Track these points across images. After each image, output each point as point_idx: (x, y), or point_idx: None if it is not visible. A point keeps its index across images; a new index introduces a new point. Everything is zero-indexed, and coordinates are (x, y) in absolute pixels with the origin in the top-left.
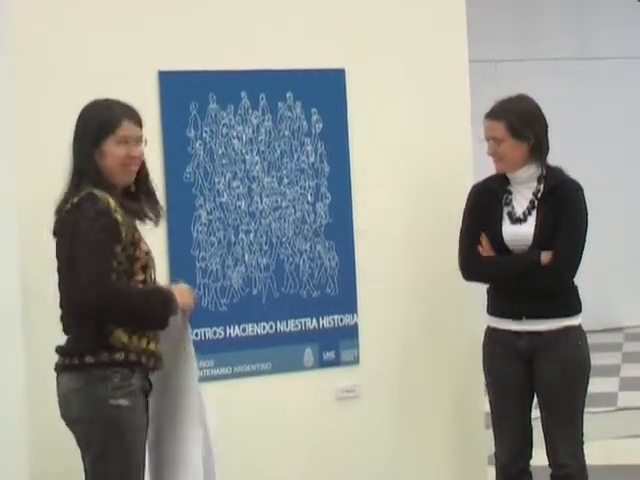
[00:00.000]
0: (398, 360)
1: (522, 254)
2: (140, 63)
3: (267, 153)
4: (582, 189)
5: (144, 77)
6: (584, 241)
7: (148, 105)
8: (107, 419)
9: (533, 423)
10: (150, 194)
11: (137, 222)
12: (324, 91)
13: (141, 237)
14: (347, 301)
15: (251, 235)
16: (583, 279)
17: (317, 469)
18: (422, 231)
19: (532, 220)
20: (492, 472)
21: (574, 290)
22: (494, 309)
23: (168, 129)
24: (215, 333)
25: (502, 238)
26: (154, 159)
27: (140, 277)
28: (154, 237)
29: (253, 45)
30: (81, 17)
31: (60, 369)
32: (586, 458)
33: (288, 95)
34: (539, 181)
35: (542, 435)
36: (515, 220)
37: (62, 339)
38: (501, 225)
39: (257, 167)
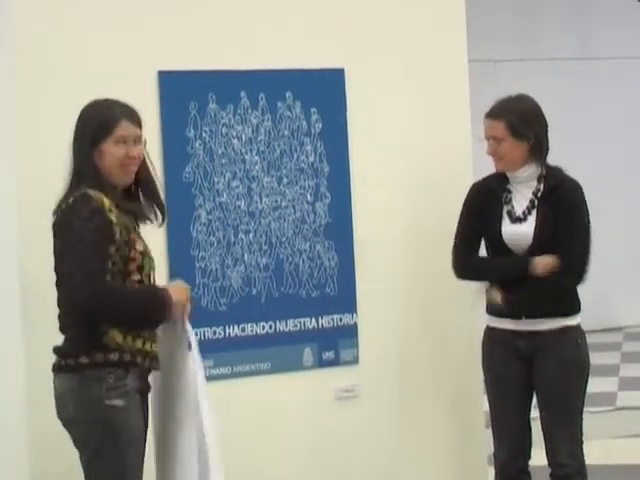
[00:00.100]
0: (398, 360)
1: (512, 260)
2: (140, 63)
3: (267, 153)
4: (582, 188)
5: (144, 77)
6: (590, 238)
7: (148, 105)
8: (102, 419)
9: (532, 423)
10: (151, 195)
11: (137, 222)
12: (324, 91)
13: (138, 238)
14: (346, 301)
15: (250, 235)
16: None
17: (317, 469)
18: (422, 231)
19: (532, 219)
20: (492, 472)
21: (573, 290)
22: (493, 308)
23: (168, 129)
24: (215, 333)
25: (501, 237)
26: (154, 159)
27: (136, 277)
28: (154, 237)
29: (253, 45)
30: (81, 17)
31: (56, 369)
32: (585, 458)
33: (288, 95)
34: (539, 180)
35: (541, 435)
36: (515, 219)
37: (61, 339)
38: (500, 224)
39: (257, 167)
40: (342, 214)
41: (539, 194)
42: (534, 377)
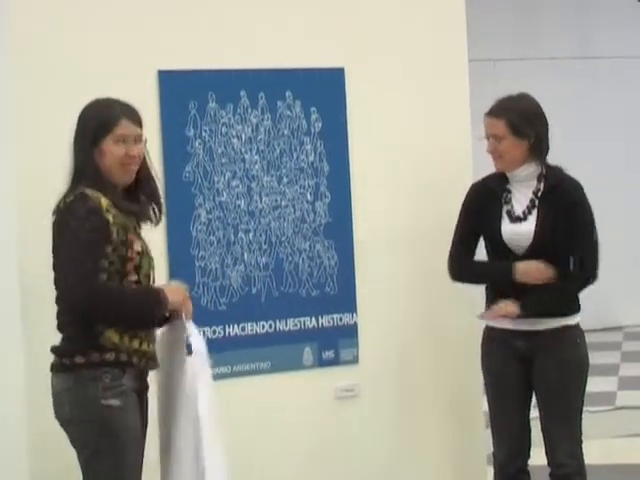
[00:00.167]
0: (397, 359)
1: (498, 265)
2: (140, 62)
3: (266, 152)
4: (582, 187)
5: (144, 76)
6: (597, 234)
7: (147, 104)
8: (98, 419)
9: (531, 422)
10: (151, 194)
11: (138, 222)
12: (323, 90)
13: (136, 238)
14: (346, 300)
15: (250, 234)
16: None
17: (316, 468)
18: (422, 230)
19: (532, 219)
20: (491, 472)
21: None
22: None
23: (167, 128)
24: (214, 332)
25: (501, 237)
26: (153, 158)
27: (133, 277)
28: (154, 236)
29: (252, 44)
30: (81, 17)
31: (53, 369)
32: (585, 457)
33: (287, 94)
34: (539, 180)
35: (540, 434)
36: (515, 219)
37: (60, 338)
38: (500, 224)
39: (256, 166)
40: (342, 213)
41: (539, 193)
42: (533, 377)
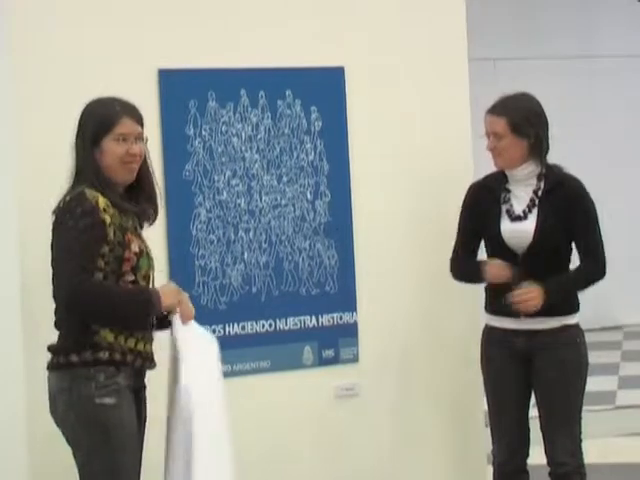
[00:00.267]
0: (397, 358)
1: (476, 265)
2: (140, 61)
3: (266, 151)
4: (584, 185)
5: (144, 75)
6: (600, 231)
7: (148, 103)
8: (92, 418)
9: (530, 421)
10: (149, 193)
11: (140, 222)
12: (324, 89)
13: (135, 238)
14: (346, 299)
15: (250, 233)
16: None
17: (316, 467)
18: (422, 229)
19: (533, 217)
20: (491, 470)
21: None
22: (492, 307)
23: (167, 127)
24: (214, 331)
25: (501, 236)
26: (153, 157)
27: (130, 278)
28: (154, 235)
29: (253, 43)
30: (81, 16)
31: (49, 367)
32: (584, 456)
33: (287, 93)
34: (539, 179)
35: (540, 433)
36: (515, 218)
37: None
38: (499, 223)
39: (256, 165)
40: (342, 212)
41: (540, 192)
42: (533, 376)
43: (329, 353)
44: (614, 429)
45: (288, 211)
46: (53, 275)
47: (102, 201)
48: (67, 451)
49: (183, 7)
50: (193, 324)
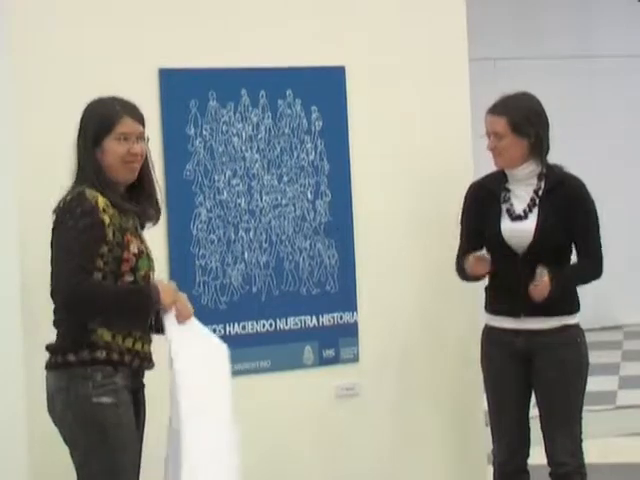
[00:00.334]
0: (398, 358)
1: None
2: (141, 61)
3: (267, 151)
4: (584, 184)
5: (145, 75)
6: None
7: (148, 103)
8: (90, 417)
9: (531, 421)
10: (150, 192)
11: (141, 223)
12: (324, 89)
13: (135, 239)
14: (347, 299)
15: (251, 233)
16: None
17: (316, 467)
18: (422, 229)
19: (533, 217)
20: (491, 470)
21: (573, 288)
22: (492, 307)
23: (168, 127)
24: (215, 331)
25: (501, 235)
26: (154, 157)
27: (129, 279)
28: (154, 235)
29: (253, 43)
30: (81, 16)
31: (47, 367)
32: (585, 456)
33: (288, 93)
34: (539, 178)
35: (540, 433)
36: (515, 218)
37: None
38: (500, 223)
39: (257, 165)
40: (342, 212)
41: (540, 192)
42: (533, 376)
43: (329, 353)
44: (614, 429)
45: (288, 211)
46: (51, 274)
47: (102, 201)
48: (67, 451)
49: (183, 7)
50: (199, 326)
